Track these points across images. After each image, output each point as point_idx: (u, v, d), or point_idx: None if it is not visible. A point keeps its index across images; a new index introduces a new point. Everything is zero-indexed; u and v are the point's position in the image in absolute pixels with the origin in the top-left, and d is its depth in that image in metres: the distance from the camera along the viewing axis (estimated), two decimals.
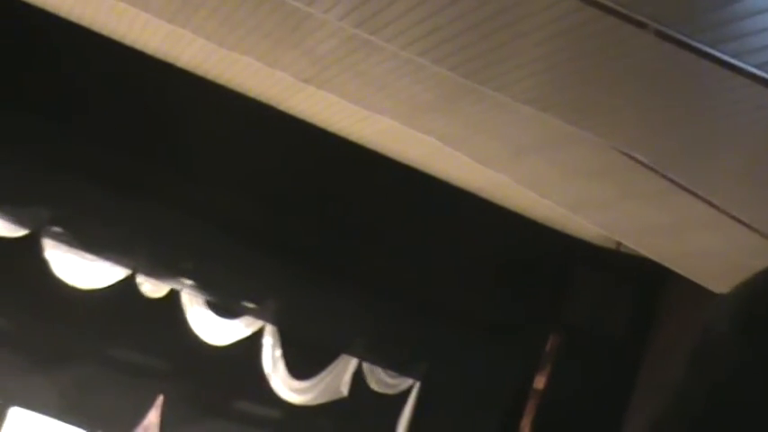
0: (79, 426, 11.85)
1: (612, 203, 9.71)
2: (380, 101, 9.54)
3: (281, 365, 12.12)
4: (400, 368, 12.31)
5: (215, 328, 11.94)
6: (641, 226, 9.90)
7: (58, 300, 11.49)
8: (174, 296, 11.84)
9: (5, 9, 10.84)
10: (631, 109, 7.57)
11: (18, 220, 11.30)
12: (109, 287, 11.63)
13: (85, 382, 11.82)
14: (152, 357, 12.06)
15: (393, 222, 11.86)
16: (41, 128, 11.20)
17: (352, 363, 12.26)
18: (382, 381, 12.32)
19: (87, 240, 11.51)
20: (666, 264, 10.30)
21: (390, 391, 12.33)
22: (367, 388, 12.27)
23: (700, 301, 9.83)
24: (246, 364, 12.03)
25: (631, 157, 8.32)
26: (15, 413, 11.72)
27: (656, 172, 8.38)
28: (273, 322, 12.10)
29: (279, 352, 12.12)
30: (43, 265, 11.42)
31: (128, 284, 11.66)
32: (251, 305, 12.06)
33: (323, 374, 12.23)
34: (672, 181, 8.39)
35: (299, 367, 12.15)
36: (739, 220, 8.45)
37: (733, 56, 6.25)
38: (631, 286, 12.36)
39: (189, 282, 11.83)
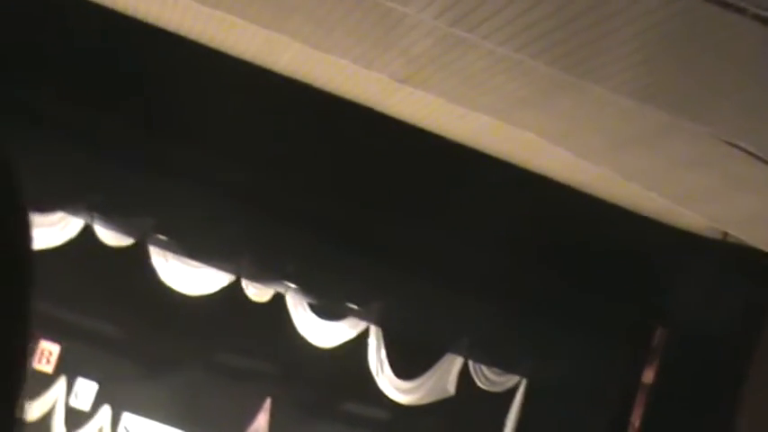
0: (190, 431, 11.99)
1: (717, 193, 9.56)
2: (477, 98, 9.51)
3: (387, 366, 12.13)
4: (506, 366, 12.26)
5: (321, 331, 12.00)
6: (747, 215, 9.74)
7: (166, 307, 11.64)
8: (278, 300, 11.92)
9: (111, 25, 11.03)
10: (733, 97, 7.44)
11: (124, 229, 11.48)
12: (215, 293, 11.75)
13: (194, 387, 11.96)
14: (259, 361, 12.16)
15: (498, 223, 11.79)
16: (144, 138, 11.36)
17: (458, 361, 12.23)
18: (488, 379, 12.28)
19: (191, 247, 11.65)
20: None
21: (497, 389, 12.28)
22: (474, 386, 12.24)
23: None
24: (352, 366, 12.06)
25: (735, 146, 8.19)
26: (127, 419, 11.90)
27: (762, 160, 8.23)
28: (377, 323, 12.12)
29: (384, 353, 12.14)
30: (151, 273, 11.58)
31: (233, 289, 11.76)
32: (355, 307, 12.09)
33: (429, 374, 12.23)
34: None
35: (405, 367, 12.16)
36: None
37: None
38: (741, 277, 12.14)
39: (292, 285, 11.90)
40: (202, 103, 11.30)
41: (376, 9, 8.27)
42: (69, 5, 10.83)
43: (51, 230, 11.41)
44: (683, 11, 6.26)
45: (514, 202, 11.78)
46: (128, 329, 11.86)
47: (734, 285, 12.04)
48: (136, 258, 11.50)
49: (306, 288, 11.93)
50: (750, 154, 8.22)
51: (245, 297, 11.80)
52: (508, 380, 12.29)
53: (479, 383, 12.25)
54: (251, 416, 12.10)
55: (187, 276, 11.69)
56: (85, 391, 11.84)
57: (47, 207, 11.37)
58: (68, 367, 11.79)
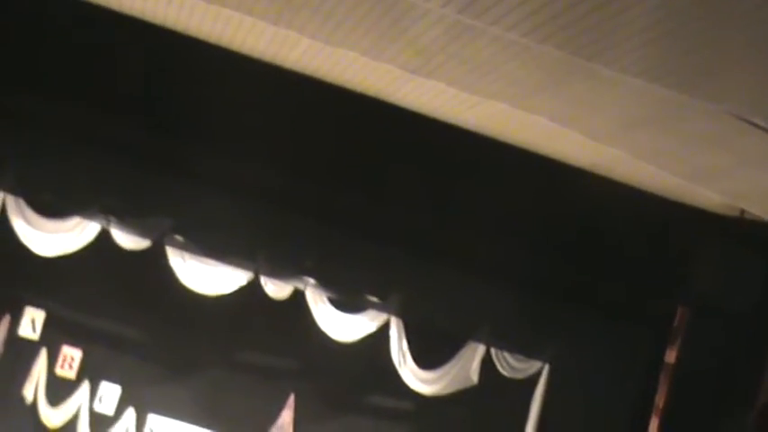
0: (215, 430, 12.01)
1: (732, 170, 9.53)
2: (488, 85, 9.49)
3: (409, 357, 12.13)
4: (528, 352, 12.24)
5: (341, 325, 11.99)
6: (764, 191, 9.72)
7: (185, 307, 11.66)
8: (298, 296, 11.92)
9: (122, 27, 11.07)
10: (745, 72, 7.41)
11: (141, 231, 11.49)
12: (234, 292, 11.76)
13: (218, 386, 11.98)
14: (281, 358, 12.17)
15: (515, 209, 11.78)
16: (157, 140, 11.37)
17: (480, 349, 12.22)
18: (511, 365, 12.26)
19: (208, 246, 11.66)
20: None
21: (520, 376, 12.27)
22: (497, 374, 12.22)
23: None
24: (375, 358, 12.06)
25: (749, 122, 8.16)
26: (153, 420, 11.93)
27: None
28: (398, 315, 12.11)
29: (405, 344, 12.13)
30: (169, 275, 11.59)
31: (252, 287, 11.77)
32: (375, 299, 12.09)
33: (452, 363, 12.22)
34: None
35: (427, 358, 12.15)
36: None
37: None
38: (759, 253, 12.11)
39: (311, 280, 11.90)
40: (214, 102, 11.31)
41: (383, 0, 8.27)
42: (79, 9, 10.90)
43: (68, 236, 11.43)
44: None
45: (531, 187, 11.78)
46: (148, 331, 11.88)
47: (753, 261, 12.02)
48: (153, 260, 11.51)
49: (325, 282, 11.93)
50: (764, 130, 8.19)
51: (265, 294, 11.81)
52: (530, 366, 12.27)
53: (502, 371, 12.24)
54: (275, 412, 12.11)
55: (205, 276, 11.70)
56: (109, 394, 11.86)
57: (63, 212, 11.41)
58: (91, 372, 11.81)
